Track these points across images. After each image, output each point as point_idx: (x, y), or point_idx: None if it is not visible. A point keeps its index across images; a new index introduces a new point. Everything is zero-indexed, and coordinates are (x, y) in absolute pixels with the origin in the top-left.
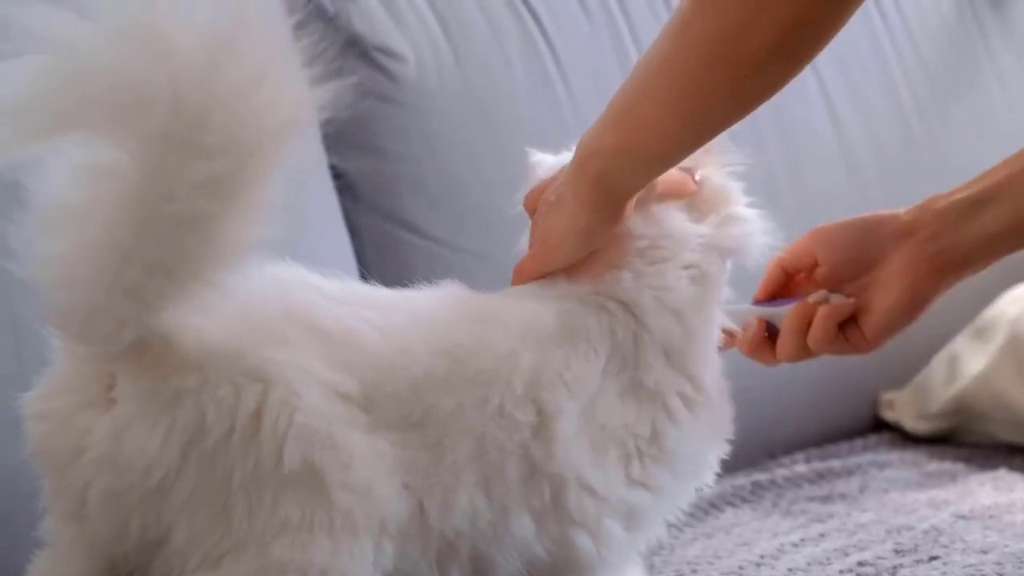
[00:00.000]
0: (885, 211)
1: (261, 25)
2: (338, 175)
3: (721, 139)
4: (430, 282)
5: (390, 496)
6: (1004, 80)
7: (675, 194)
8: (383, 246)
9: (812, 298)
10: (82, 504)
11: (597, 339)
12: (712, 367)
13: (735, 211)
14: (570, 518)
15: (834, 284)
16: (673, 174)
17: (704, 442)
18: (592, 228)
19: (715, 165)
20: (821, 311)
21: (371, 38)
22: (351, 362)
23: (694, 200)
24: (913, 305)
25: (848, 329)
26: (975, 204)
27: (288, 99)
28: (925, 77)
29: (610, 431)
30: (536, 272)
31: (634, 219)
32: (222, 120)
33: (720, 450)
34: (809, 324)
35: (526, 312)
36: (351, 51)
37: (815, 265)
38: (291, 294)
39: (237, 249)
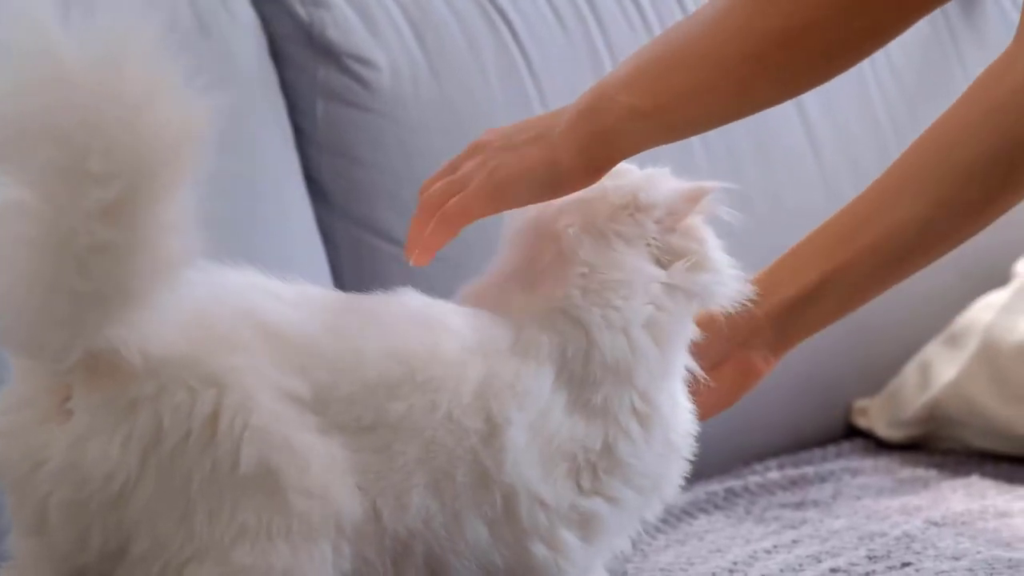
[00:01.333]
0: (710, 315)
1: (145, 50)
2: (311, 182)
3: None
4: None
5: (345, 498)
6: None
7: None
8: (357, 253)
9: None
10: (43, 517)
11: (547, 355)
12: (670, 389)
13: (706, 256)
14: (523, 528)
15: None
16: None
17: (660, 458)
18: (570, 170)
19: (695, 211)
20: None
21: (345, 46)
22: (304, 365)
23: (667, 242)
24: (731, 400)
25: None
26: (802, 302)
27: (177, 119)
28: (901, 93)
29: (558, 444)
30: (472, 211)
31: (586, 246)
32: (106, 146)
33: (680, 467)
34: None
35: (480, 324)
36: (324, 59)
37: None
38: (244, 298)
39: (167, 268)
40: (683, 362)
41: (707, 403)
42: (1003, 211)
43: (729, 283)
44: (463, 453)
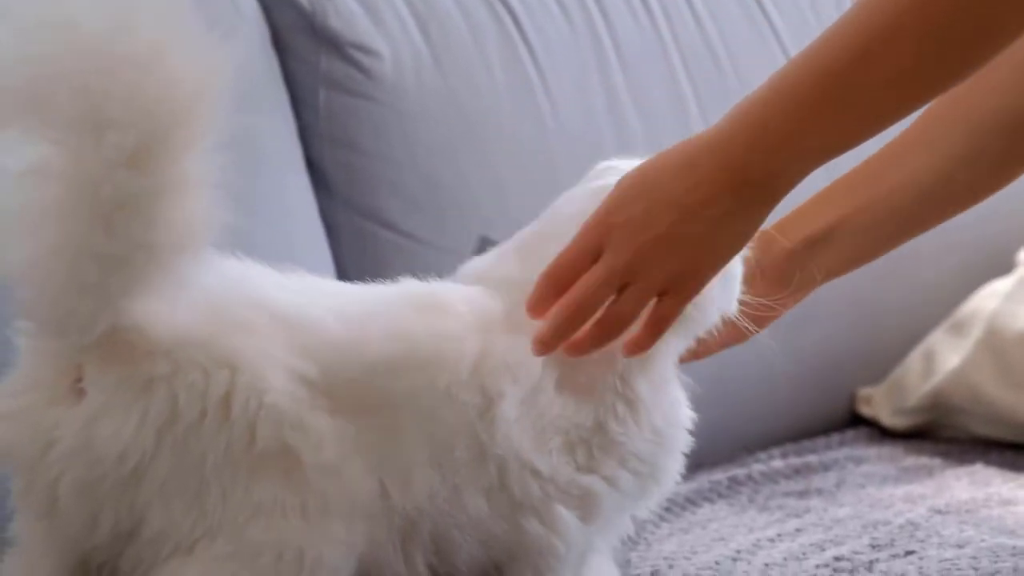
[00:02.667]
0: None
1: (160, 5)
2: (314, 171)
3: None
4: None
5: (357, 477)
6: None
7: None
8: (360, 242)
9: None
10: (53, 500)
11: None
12: (651, 378)
13: None
14: (516, 500)
15: None
16: None
17: (650, 444)
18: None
19: None
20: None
21: (348, 35)
22: (311, 347)
23: None
24: (743, 336)
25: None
26: (816, 243)
27: (193, 68)
28: None
29: (550, 419)
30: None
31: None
32: (125, 93)
33: (676, 459)
34: None
35: (476, 302)
36: (327, 48)
37: None
38: (252, 284)
39: (188, 233)
40: (672, 352)
41: (721, 336)
42: (1020, 172)
43: (709, 313)
44: (462, 428)
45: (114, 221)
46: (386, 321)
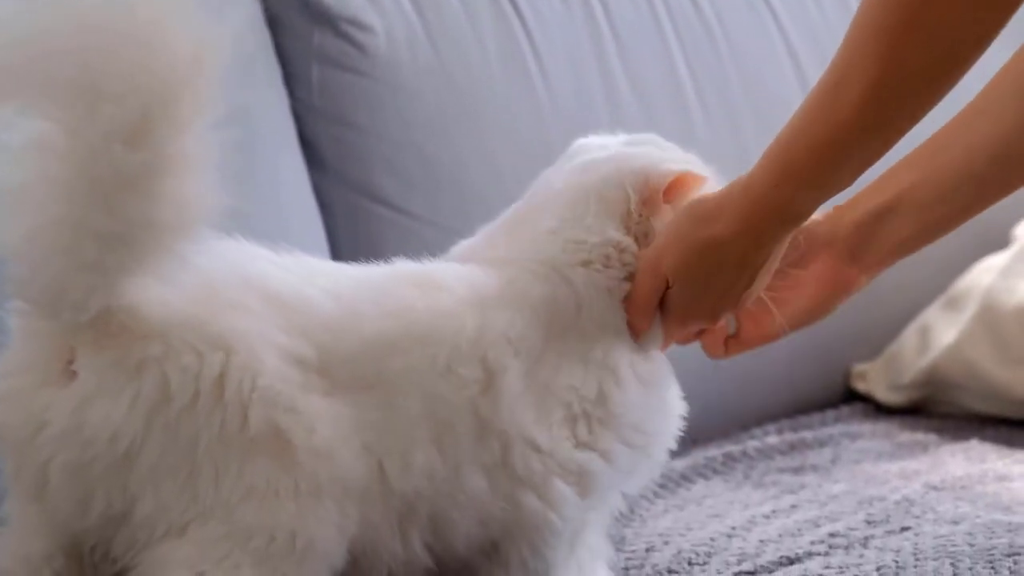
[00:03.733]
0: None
1: None
2: (307, 147)
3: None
4: (402, 256)
5: (351, 459)
6: (979, 63)
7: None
8: (354, 218)
9: None
10: (44, 481)
11: (539, 304)
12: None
13: None
14: (517, 476)
15: None
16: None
17: (653, 413)
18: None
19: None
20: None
21: (341, 11)
22: (306, 327)
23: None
24: (827, 306)
25: (760, 318)
26: (884, 213)
27: (190, 44)
28: None
29: (554, 391)
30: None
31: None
32: (123, 69)
33: (675, 426)
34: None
35: (471, 278)
36: (320, 23)
37: None
38: (246, 264)
39: (187, 212)
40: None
41: (797, 308)
42: None
43: None
44: (463, 404)
45: (113, 198)
46: (382, 299)
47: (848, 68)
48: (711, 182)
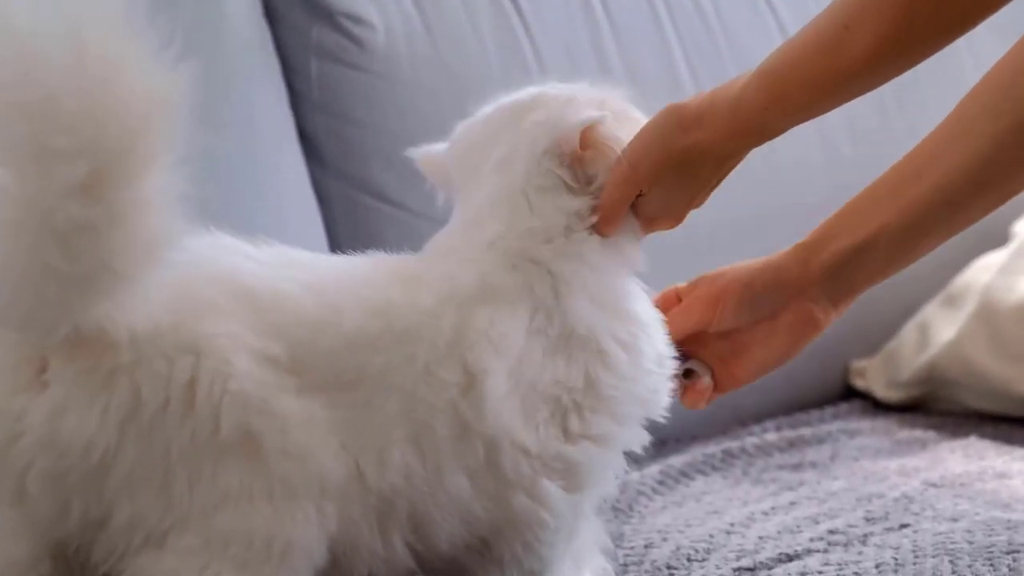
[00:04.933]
0: (772, 261)
1: (110, 17)
2: (306, 141)
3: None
4: (401, 251)
5: (327, 458)
6: (977, 52)
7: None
8: (352, 213)
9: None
10: (22, 488)
11: (516, 297)
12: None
13: None
14: (506, 479)
15: (707, 342)
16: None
17: (650, 375)
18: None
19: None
20: (692, 385)
21: (339, 4)
22: (281, 325)
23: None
24: (792, 352)
25: (732, 367)
26: (857, 253)
27: (144, 92)
28: None
29: (540, 390)
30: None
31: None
32: (69, 123)
33: (667, 381)
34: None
35: (447, 274)
36: (319, 18)
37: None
38: (219, 261)
39: (150, 247)
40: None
41: (769, 355)
42: None
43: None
44: (443, 406)
45: (71, 244)
46: (363, 293)
47: (862, 12)
48: (612, 106)
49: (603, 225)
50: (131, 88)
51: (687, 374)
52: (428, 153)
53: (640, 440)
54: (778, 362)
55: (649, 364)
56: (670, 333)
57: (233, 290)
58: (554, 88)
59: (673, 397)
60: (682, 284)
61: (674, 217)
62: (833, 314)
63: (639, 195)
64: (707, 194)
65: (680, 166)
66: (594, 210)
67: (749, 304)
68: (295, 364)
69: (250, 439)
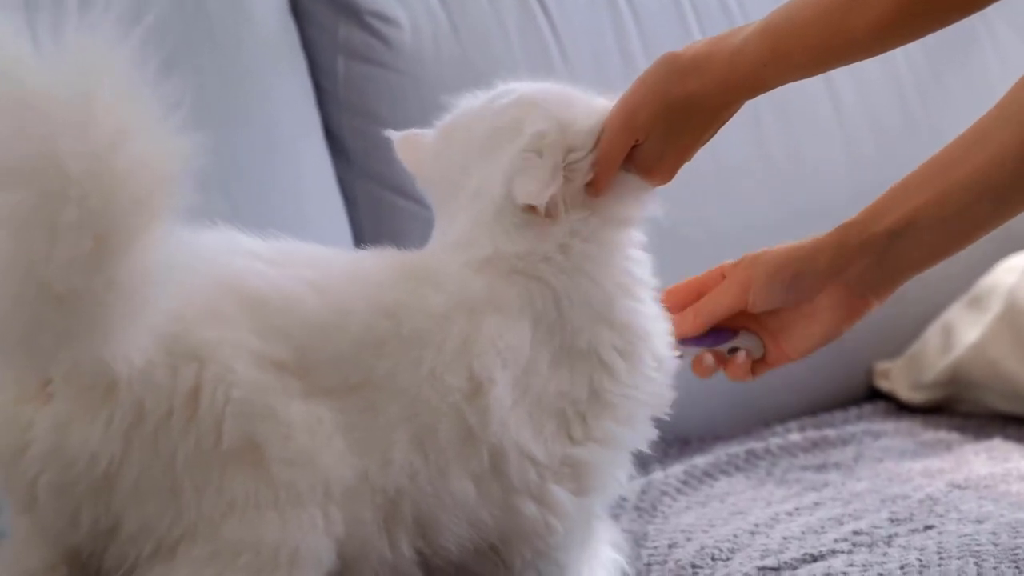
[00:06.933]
0: (808, 244)
1: (118, 78)
2: (332, 139)
3: None
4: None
5: (333, 462)
6: (1001, 51)
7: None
8: (377, 211)
9: (725, 346)
10: (32, 497)
11: (519, 310)
12: (646, 302)
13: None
14: (512, 486)
15: (758, 317)
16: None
17: (651, 381)
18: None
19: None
20: (733, 360)
21: (366, 3)
22: (287, 327)
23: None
24: (835, 333)
25: (781, 341)
26: (892, 236)
27: (151, 160)
28: (921, 48)
29: (546, 403)
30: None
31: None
32: (79, 191)
33: (668, 380)
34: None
35: (459, 279)
36: (346, 16)
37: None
38: (222, 264)
39: (151, 302)
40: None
41: (810, 336)
42: None
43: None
44: (447, 410)
45: (67, 304)
46: (373, 293)
47: None
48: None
49: (599, 179)
50: (139, 155)
51: (731, 351)
52: (408, 139)
53: (647, 439)
54: (821, 343)
55: (649, 370)
56: (709, 312)
57: (237, 294)
58: (523, 106)
59: (681, 391)
60: (728, 263)
61: (667, 170)
62: (874, 302)
63: (635, 145)
64: (699, 146)
65: (676, 114)
66: (591, 167)
67: (779, 289)
68: (301, 367)
69: (253, 447)
